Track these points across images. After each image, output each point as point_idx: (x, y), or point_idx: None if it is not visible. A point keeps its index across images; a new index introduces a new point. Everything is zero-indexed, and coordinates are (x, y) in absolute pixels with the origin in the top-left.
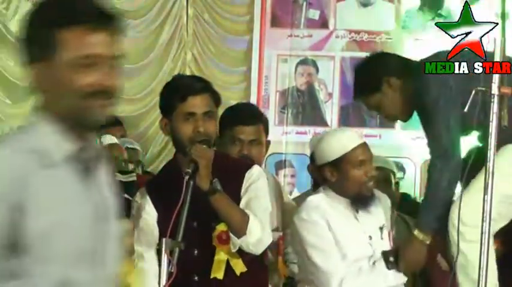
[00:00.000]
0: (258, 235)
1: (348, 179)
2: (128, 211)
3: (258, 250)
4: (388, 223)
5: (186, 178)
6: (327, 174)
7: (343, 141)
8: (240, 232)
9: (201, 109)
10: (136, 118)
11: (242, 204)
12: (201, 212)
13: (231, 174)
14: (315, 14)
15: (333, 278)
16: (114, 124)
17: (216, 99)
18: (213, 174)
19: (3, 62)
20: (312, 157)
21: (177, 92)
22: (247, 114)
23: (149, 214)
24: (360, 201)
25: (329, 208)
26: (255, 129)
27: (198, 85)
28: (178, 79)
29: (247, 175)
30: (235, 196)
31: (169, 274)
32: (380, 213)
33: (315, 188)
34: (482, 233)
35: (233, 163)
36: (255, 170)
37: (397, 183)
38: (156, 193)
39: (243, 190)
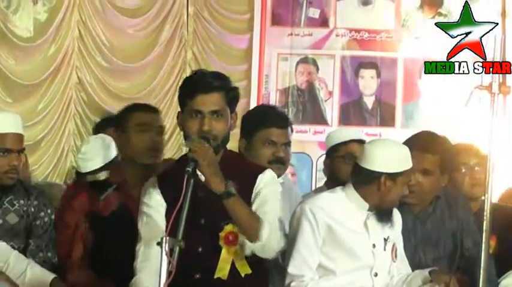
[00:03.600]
0: (267, 240)
1: (395, 193)
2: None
3: (269, 255)
4: (395, 238)
5: (186, 176)
6: (381, 182)
7: (406, 157)
8: (254, 237)
9: (208, 108)
10: None
11: (253, 208)
12: (210, 210)
13: (244, 176)
14: (315, 12)
15: (288, 278)
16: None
17: (231, 98)
18: (225, 174)
19: (4, 60)
20: (329, 153)
21: (189, 88)
22: (281, 117)
23: (159, 204)
24: (385, 212)
25: (336, 210)
26: (288, 132)
27: (211, 83)
28: (195, 75)
29: (259, 178)
30: (246, 198)
31: (169, 273)
32: (387, 226)
33: (329, 184)
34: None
35: (246, 165)
36: (268, 174)
37: None
38: (166, 186)
39: (253, 193)
